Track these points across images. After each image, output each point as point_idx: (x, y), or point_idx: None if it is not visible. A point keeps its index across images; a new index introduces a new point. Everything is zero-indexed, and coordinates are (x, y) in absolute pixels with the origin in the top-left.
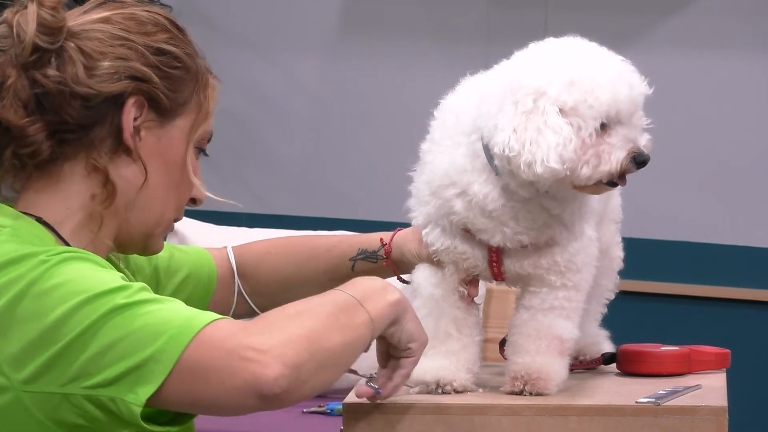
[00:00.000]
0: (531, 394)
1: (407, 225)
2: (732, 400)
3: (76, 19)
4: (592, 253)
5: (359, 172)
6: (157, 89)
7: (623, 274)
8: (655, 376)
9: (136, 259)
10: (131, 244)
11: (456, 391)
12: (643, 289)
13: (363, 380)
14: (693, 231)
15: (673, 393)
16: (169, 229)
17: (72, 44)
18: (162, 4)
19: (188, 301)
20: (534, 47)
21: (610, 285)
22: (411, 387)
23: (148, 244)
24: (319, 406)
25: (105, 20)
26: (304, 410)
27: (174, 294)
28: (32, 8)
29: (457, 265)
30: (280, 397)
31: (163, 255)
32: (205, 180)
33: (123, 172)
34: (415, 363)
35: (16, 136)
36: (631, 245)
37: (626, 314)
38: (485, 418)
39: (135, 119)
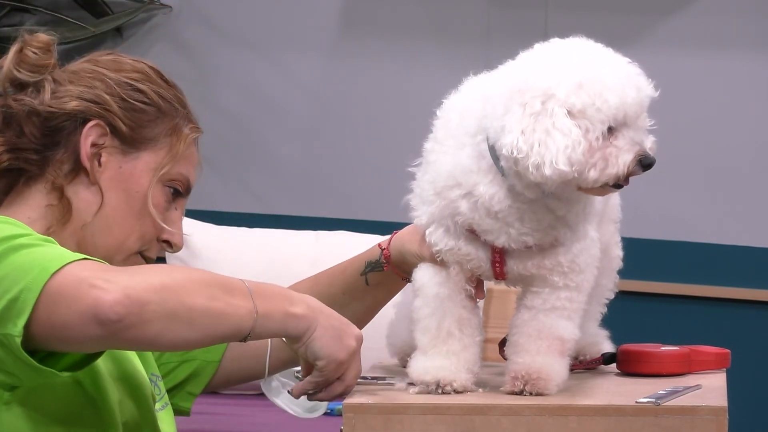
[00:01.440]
0: (531, 394)
1: (407, 224)
2: (732, 400)
3: (73, 61)
4: (594, 254)
5: (359, 172)
6: (116, 116)
7: (623, 274)
8: (655, 376)
9: None
10: None
11: (456, 392)
12: (643, 289)
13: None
14: (693, 231)
15: (673, 393)
16: (134, 261)
17: (50, 77)
18: (162, 4)
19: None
20: (540, 48)
21: (610, 284)
22: (411, 387)
23: None
24: None
25: (90, 61)
26: None
27: None
28: (16, 47)
29: (461, 265)
30: (118, 326)
31: None
32: (205, 179)
33: (81, 194)
34: (329, 381)
35: None
36: (631, 245)
37: (626, 314)
38: (485, 418)
39: (96, 144)
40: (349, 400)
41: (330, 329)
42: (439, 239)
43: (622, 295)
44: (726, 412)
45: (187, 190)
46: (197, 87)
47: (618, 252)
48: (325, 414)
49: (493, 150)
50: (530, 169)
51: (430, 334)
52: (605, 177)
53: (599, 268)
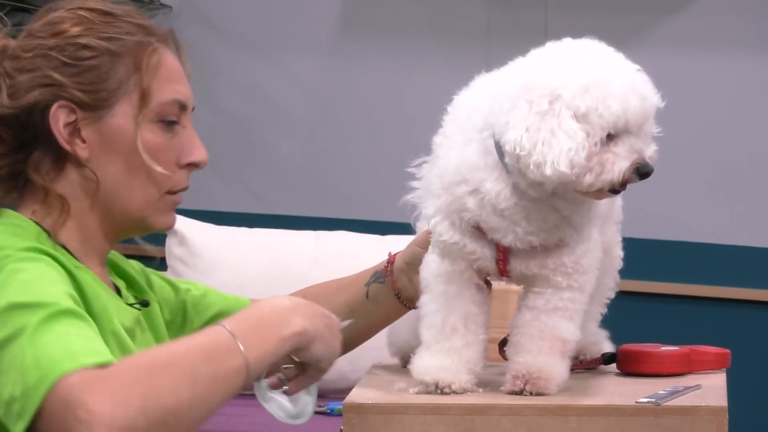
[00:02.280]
0: (531, 393)
1: (407, 224)
2: (732, 400)
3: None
4: (597, 256)
5: (359, 172)
6: (71, 89)
7: (623, 274)
8: (655, 376)
9: (162, 291)
10: (128, 230)
11: (455, 393)
12: (643, 289)
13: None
14: (693, 231)
15: (673, 393)
16: (166, 204)
17: (3, 71)
18: (162, 4)
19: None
20: (551, 47)
21: (611, 284)
22: (411, 387)
23: (148, 225)
24: (320, 406)
25: (28, 35)
26: None
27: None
28: None
29: (468, 262)
30: None
31: (194, 293)
32: (205, 179)
33: (76, 180)
34: (324, 374)
35: None
36: (631, 245)
37: (626, 314)
38: (485, 418)
39: (69, 124)
40: (349, 400)
41: (324, 329)
42: (444, 230)
43: (622, 295)
44: (726, 412)
45: (182, 108)
46: (197, 87)
47: (619, 252)
48: (326, 414)
49: (499, 146)
50: (531, 167)
51: (435, 330)
52: (600, 182)
53: (600, 268)
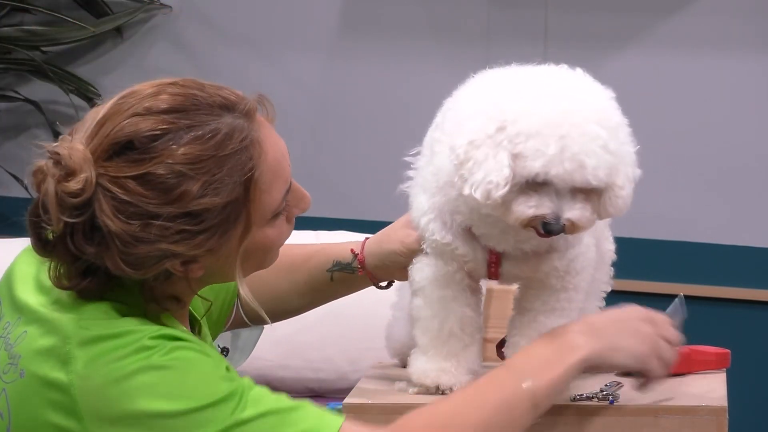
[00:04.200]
0: None
1: None
2: (732, 400)
3: (98, 170)
4: (590, 257)
5: (359, 172)
6: (191, 251)
7: (625, 274)
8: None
9: None
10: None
11: None
12: (643, 289)
13: None
14: (693, 231)
15: (673, 393)
16: (268, 263)
17: (101, 223)
18: (162, 4)
19: (219, 313)
20: (543, 72)
21: (605, 278)
22: (410, 389)
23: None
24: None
25: (124, 189)
26: None
27: (219, 311)
28: (51, 187)
29: (459, 263)
30: None
31: None
32: None
33: (185, 282)
34: (659, 369)
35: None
36: (631, 245)
37: None
38: None
39: (184, 263)
40: (349, 400)
41: (616, 340)
42: (436, 230)
43: (622, 295)
44: (726, 412)
45: (289, 190)
46: None
47: (609, 246)
48: None
49: None
50: (457, 179)
51: (431, 335)
52: (504, 217)
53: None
